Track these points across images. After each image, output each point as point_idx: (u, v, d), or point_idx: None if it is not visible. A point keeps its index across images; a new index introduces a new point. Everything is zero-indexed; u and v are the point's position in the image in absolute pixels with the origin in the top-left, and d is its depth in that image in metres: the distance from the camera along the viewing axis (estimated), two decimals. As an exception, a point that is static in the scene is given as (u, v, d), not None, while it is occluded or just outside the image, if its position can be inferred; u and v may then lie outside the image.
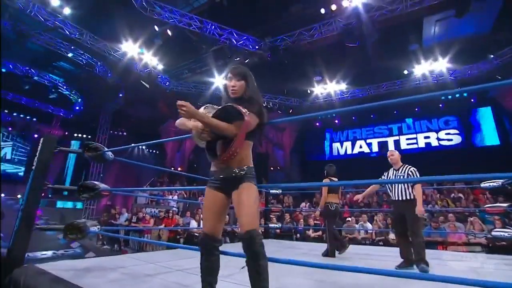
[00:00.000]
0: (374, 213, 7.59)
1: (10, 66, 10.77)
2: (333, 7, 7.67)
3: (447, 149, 12.24)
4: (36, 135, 14.05)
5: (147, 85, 10.86)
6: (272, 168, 15.67)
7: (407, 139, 13.30)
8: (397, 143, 13.43)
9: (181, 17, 8.23)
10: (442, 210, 7.19)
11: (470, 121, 12.14)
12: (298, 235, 7.71)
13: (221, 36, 9.10)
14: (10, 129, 13.68)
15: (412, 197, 3.11)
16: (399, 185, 3.22)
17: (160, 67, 10.99)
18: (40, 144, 2.21)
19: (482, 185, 3.75)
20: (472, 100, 12.12)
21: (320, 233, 7.03)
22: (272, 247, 4.47)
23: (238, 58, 10.59)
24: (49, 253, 5.45)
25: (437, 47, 10.06)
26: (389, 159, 3.43)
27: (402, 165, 3.34)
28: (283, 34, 9.26)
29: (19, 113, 13.79)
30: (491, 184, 3.63)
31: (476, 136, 11.93)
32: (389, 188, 3.35)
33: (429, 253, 3.12)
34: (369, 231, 6.79)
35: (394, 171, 3.36)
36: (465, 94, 12.17)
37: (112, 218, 8.48)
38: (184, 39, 9.47)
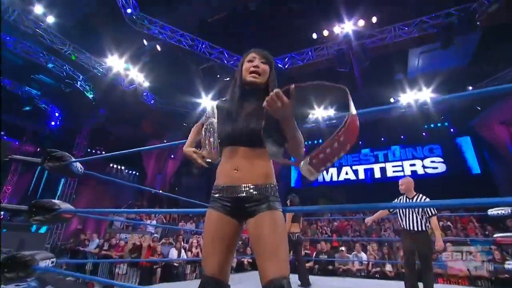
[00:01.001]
0: (367, 243, 7.22)
1: (-18, 75, 10.02)
2: (325, 32, 7.80)
3: (432, 176, 12.36)
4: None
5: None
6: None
7: (393, 166, 13.38)
8: (383, 170, 13.47)
9: (172, 33, 8.06)
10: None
11: (452, 150, 12.45)
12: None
13: (212, 55, 8.98)
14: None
15: (425, 228, 2.96)
16: (413, 215, 3.03)
17: (146, 84, 10.62)
18: (-14, 150, 1.73)
19: (490, 212, 3.55)
20: (451, 130, 12.51)
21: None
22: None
23: (227, 79, 10.47)
24: (-3, 288, 4.55)
25: (421, 77, 10.45)
26: (400, 189, 3.29)
27: (416, 194, 3.17)
28: (274, 57, 9.26)
29: (-13, 126, 12.71)
30: (499, 212, 3.45)
31: (459, 164, 12.18)
32: (401, 217, 3.15)
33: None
34: (363, 262, 6.36)
35: (408, 199, 3.18)
36: (446, 124, 12.62)
37: (81, 244, 7.55)
38: (173, 56, 9.27)
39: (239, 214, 1.12)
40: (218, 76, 10.04)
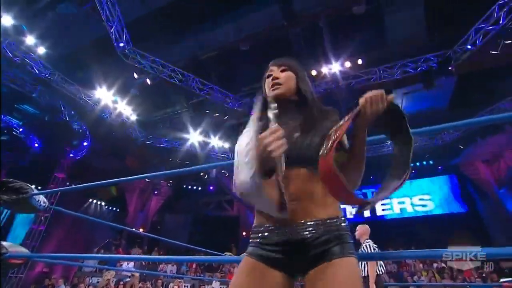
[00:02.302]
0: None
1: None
2: (313, 72, 8.10)
3: (421, 215, 12.28)
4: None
5: None
6: (244, 234, 14.38)
7: (382, 204, 13.25)
8: (372, 209, 13.29)
9: (163, 68, 8.17)
10: (433, 285, 6.56)
11: (439, 187, 12.55)
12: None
13: (202, 91, 9.06)
14: None
15: (366, 274, 3.19)
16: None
17: (134, 117, 10.49)
18: None
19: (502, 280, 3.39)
20: (439, 167, 12.73)
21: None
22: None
23: (217, 114, 10.51)
24: None
25: (404, 117, 10.84)
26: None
27: (364, 239, 3.46)
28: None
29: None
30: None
31: (446, 202, 12.22)
32: None
33: None
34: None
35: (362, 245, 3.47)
36: (431, 162, 12.88)
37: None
38: (162, 90, 9.31)
39: (293, 266, 0.82)
40: (207, 111, 10.08)
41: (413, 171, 13.08)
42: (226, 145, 11.85)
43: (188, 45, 8.69)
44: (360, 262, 3.38)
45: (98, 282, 7.09)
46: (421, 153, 11.79)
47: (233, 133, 11.31)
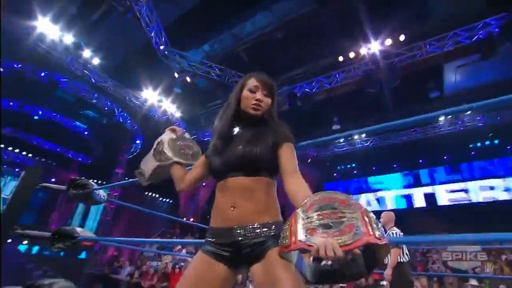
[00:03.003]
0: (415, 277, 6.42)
1: (40, 112, 11.35)
2: (351, 54, 7.72)
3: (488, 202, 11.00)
4: (53, 179, 14.14)
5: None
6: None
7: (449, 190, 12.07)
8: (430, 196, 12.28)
9: (201, 65, 8.54)
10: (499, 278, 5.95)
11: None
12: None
13: (240, 84, 9.27)
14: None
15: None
16: None
17: (178, 114, 11.20)
18: (21, 177, 1.85)
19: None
20: (508, 147, 11.21)
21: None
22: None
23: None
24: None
25: (460, 93, 9.72)
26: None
27: (390, 227, 3.46)
28: (301, 82, 9.34)
29: (41, 157, 14.14)
30: None
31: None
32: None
33: None
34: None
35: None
36: (495, 142, 11.41)
37: (114, 271, 7.70)
38: (202, 87, 9.74)
39: (234, 262, 0.95)
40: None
41: (472, 153, 11.77)
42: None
43: (222, 39, 8.90)
44: None
45: (157, 265, 7.93)
46: (483, 132, 10.55)
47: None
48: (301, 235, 0.71)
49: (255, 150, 0.99)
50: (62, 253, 11.21)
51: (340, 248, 0.65)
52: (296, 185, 0.92)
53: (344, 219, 0.70)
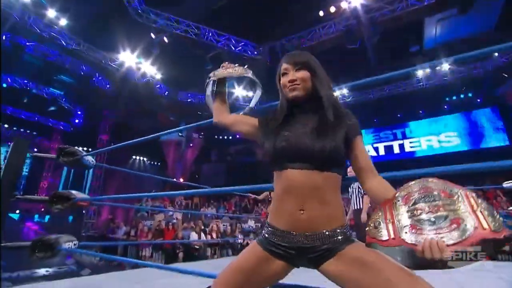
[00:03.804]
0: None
1: (9, 79, 10.73)
2: (332, 9, 7.54)
3: (450, 152, 11.91)
4: (35, 149, 13.92)
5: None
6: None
7: (410, 142, 12.98)
8: (401, 147, 13.13)
9: (178, 24, 8.14)
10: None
11: (475, 122, 11.84)
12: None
13: (219, 43, 8.99)
14: (9, 143, 13.57)
15: (359, 206, 3.65)
16: (354, 195, 3.84)
17: (159, 76, 10.89)
18: (9, 149, 1.97)
19: (505, 185, 3.41)
20: (478, 100, 11.83)
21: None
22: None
23: (236, 64, 10.47)
24: (41, 271, 5.13)
25: (439, 47, 9.86)
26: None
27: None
28: (281, 38, 9.15)
29: (19, 127, 13.69)
30: (516, 184, 3.31)
31: (482, 137, 11.61)
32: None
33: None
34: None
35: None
36: (469, 94, 11.96)
37: (111, 231, 8.18)
38: (181, 46, 9.37)
39: (300, 262, 0.90)
40: (227, 63, 10.06)
41: (445, 107, 12.36)
42: (250, 94, 12.02)
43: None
44: (354, 196, 3.78)
45: (151, 224, 8.45)
46: (457, 86, 10.96)
47: (255, 82, 11.30)
48: (401, 231, 0.65)
49: (329, 141, 0.88)
50: (47, 218, 11.56)
51: (448, 248, 0.59)
52: (381, 184, 0.88)
53: (448, 212, 0.63)
